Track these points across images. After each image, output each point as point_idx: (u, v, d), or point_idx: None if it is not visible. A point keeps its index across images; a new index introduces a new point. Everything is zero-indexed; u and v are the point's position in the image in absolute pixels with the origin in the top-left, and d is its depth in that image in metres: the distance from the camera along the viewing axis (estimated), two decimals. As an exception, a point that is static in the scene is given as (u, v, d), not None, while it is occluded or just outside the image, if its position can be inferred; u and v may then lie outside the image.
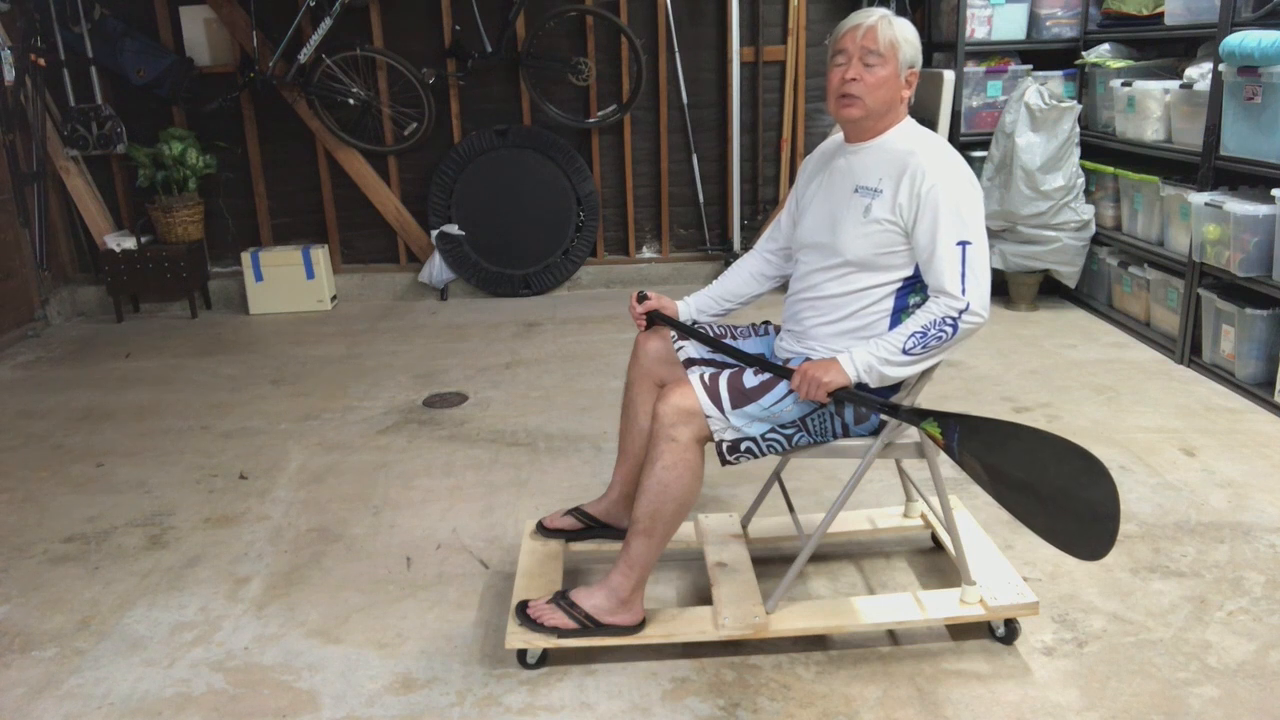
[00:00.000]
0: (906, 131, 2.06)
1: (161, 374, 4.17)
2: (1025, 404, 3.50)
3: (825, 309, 2.08)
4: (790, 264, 2.26)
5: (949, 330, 1.90)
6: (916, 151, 1.98)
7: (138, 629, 2.30)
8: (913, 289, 2.03)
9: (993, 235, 4.65)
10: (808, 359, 2.06)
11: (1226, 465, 2.97)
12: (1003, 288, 4.78)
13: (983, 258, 1.93)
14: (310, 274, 5.07)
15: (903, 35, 2.00)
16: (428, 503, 2.89)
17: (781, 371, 2.00)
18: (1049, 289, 4.78)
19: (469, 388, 3.86)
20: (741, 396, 1.98)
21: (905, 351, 1.92)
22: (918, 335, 1.91)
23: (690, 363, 2.18)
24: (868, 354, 1.93)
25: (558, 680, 2.06)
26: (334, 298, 5.23)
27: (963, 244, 1.91)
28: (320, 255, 5.09)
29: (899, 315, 2.03)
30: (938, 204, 1.91)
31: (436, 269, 5.21)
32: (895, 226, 1.97)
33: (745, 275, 2.35)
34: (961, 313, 1.90)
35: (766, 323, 2.34)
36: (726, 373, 2.03)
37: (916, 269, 2.01)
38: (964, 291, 1.90)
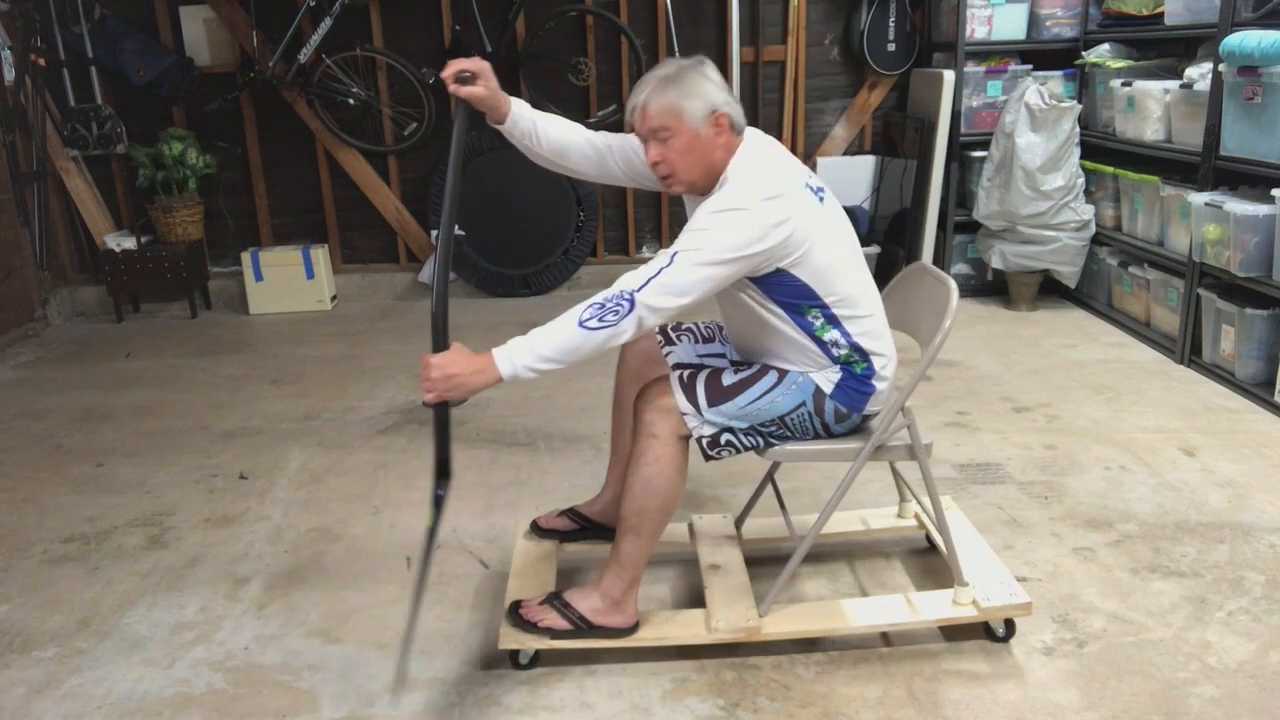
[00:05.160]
0: (731, 169, 1.94)
1: (161, 374, 4.17)
2: (1025, 404, 3.50)
3: (740, 340, 2.12)
4: (605, 173, 2.18)
5: (623, 314, 1.78)
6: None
7: (138, 629, 2.30)
8: (800, 311, 1.96)
9: (993, 235, 4.66)
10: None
11: (1226, 465, 2.97)
12: (1003, 288, 4.78)
13: (681, 274, 1.79)
14: (310, 274, 5.07)
15: (679, 96, 1.87)
16: (428, 503, 2.88)
17: (436, 343, 1.84)
18: (1049, 289, 4.78)
19: (469, 388, 3.85)
20: (719, 394, 1.98)
21: (581, 324, 1.78)
22: (595, 306, 1.79)
23: (678, 366, 2.18)
24: (524, 345, 1.78)
25: (558, 680, 2.06)
26: (334, 298, 5.23)
27: (676, 255, 1.80)
28: (320, 255, 5.09)
29: (814, 337, 1.98)
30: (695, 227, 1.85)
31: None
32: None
33: (572, 131, 2.16)
34: (624, 294, 1.78)
35: None
36: (705, 371, 2.03)
37: (784, 297, 1.94)
38: (639, 281, 1.79)
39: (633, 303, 1.77)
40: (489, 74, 2.02)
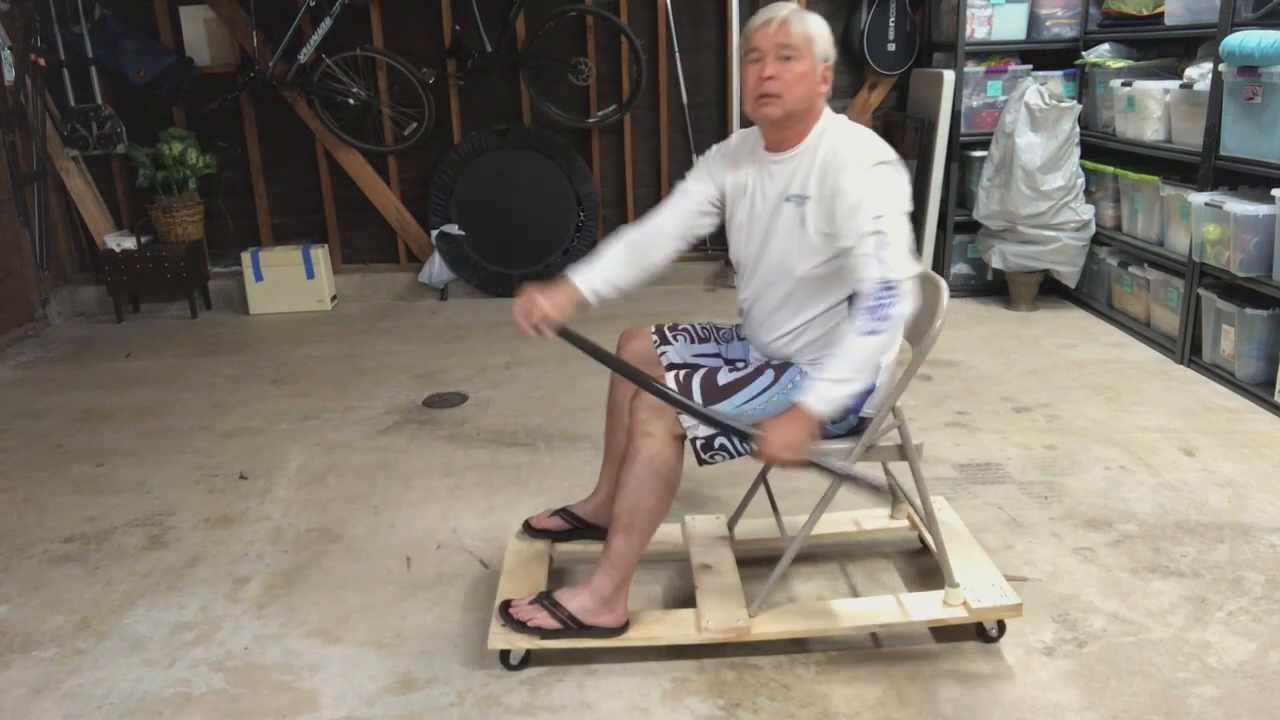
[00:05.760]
0: (827, 129, 2.00)
1: (161, 374, 4.17)
2: (1025, 404, 3.50)
3: (776, 327, 2.07)
4: (701, 222, 2.19)
5: (893, 303, 1.79)
6: (836, 145, 1.95)
7: (138, 629, 2.30)
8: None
9: (993, 235, 4.66)
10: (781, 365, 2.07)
11: (1226, 465, 2.97)
12: (1003, 288, 4.78)
13: (900, 231, 1.84)
14: (310, 274, 5.07)
15: (816, 29, 1.95)
16: (428, 503, 2.89)
17: (743, 435, 1.90)
18: (1049, 289, 4.77)
19: (469, 388, 3.86)
20: (714, 394, 1.98)
21: (865, 335, 1.79)
22: (866, 313, 1.79)
23: (671, 367, 2.18)
24: (833, 378, 1.80)
25: (558, 680, 2.06)
26: (334, 298, 5.23)
27: (882, 233, 1.83)
28: (320, 255, 5.09)
29: None
30: (857, 197, 1.86)
31: (436, 269, 5.21)
32: (828, 230, 1.93)
33: (655, 237, 2.14)
34: (888, 284, 1.80)
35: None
36: (701, 371, 2.03)
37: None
38: (888, 269, 1.80)
39: (893, 286, 1.79)
40: (541, 296, 2.00)
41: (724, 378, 2.00)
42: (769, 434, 1.83)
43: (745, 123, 5.14)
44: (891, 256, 1.81)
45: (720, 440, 1.99)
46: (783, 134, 2.00)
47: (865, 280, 1.81)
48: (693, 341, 2.25)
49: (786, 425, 1.83)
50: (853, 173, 1.88)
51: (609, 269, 2.14)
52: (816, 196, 1.93)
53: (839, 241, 1.89)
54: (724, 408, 1.97)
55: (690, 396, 1.97)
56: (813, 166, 1.95)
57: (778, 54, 1.91)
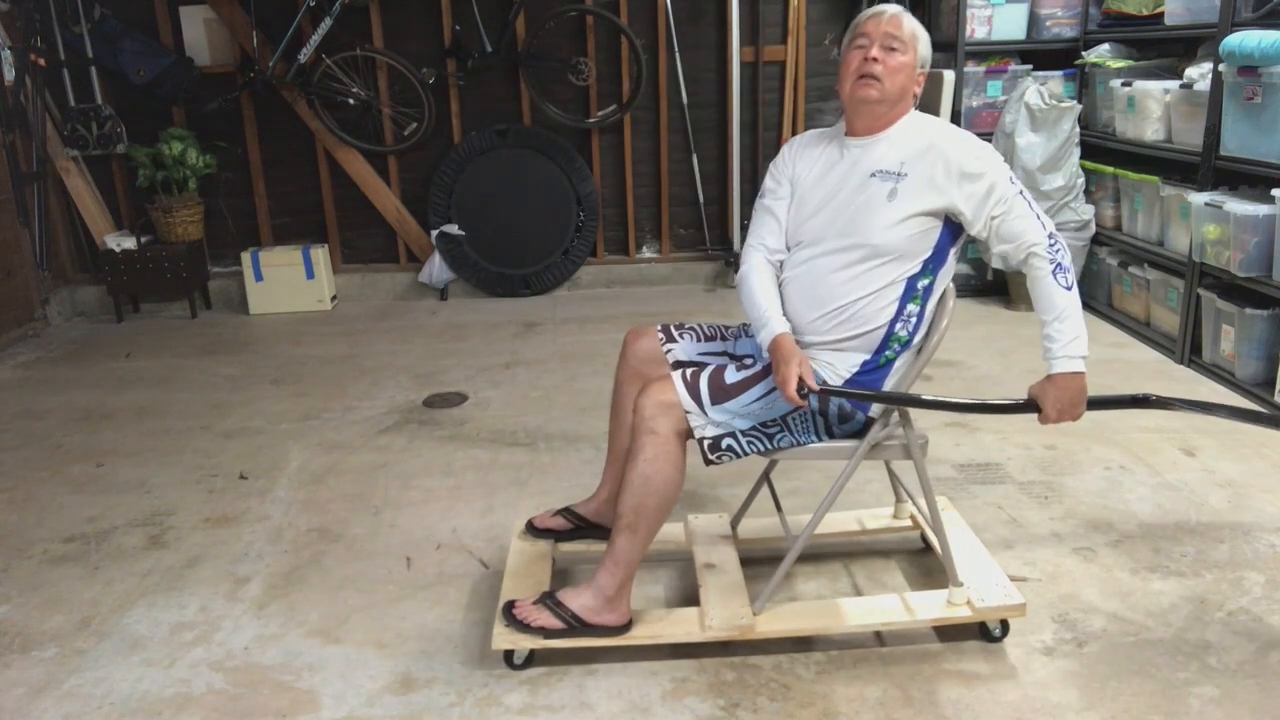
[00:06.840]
0: (916, 119, 2.09)
1: (161, 374, 4.17)
2: (1025, 404, 3.49)
3: (824, 301, 2.03)
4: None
5: (1063, 252, 1.98)
6: (935, 133, 2.03)
7: (138, 629, 2.30)
8: (923, 273, 2.02)
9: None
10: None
11: (1226, 465, 2.97)
12: (1003, 287, 4.78)
13: (1023, 192, 2.02)
14: (310, 274, 5.07)
15: (922, 33, 2.09)
16: (428, 503, 2.89)
17: (1022, 409, 2.04)
18: (1049, 289, 4.77)
19: (469, 388, 3.86)
20: (721, 392, 1.98)
21: (1070, 289, 1.96)
22: (1057, 269, 1.96)
23: (678, 365, 2.17)
24: (1073, 339, 1.95)
25: (558, 680, 2.06)
26: (334, 298, 5.23)
27: (1020, 193, 1.99)
28: (320, 255, 5.09)
29: (906, 301, 2.02)
30: (983, 171, 1.97)
31: (436, 269, 5.22)
32: (927, 207, 1.98)
33: (775, 260, 2.17)
34: (1052, 237, 1.97)
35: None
36: (708, 369, 2.03)
37: (935, 251, 2.02)
38: (1043, 225, 1.98)
39: (1054, 236, 1.97)
40: (795, 368, 1.92)
41: (730, 376, 2.00)
42: (1046, 407, 2.01)
43: (744, 121, 5.17)
44: (1040, 212, 1.99)
45: (728, 440, 1.99)
46: (870, 120, 2.07)
47: (1035, 240, 1.96)
48: (699, 340, 2.26)
49: (1058, 392, 1.99)
50: (970, 156, 1.98)
51: (778, 305, 2.10)
52: (918, 176, 1.99)
53: (983, 215, 1.98)
54: (732, 406, 1.98)
55: (698, 394, 1.97)
56: (911, 150, 2.02)
57: (884, 43, 2.03)
